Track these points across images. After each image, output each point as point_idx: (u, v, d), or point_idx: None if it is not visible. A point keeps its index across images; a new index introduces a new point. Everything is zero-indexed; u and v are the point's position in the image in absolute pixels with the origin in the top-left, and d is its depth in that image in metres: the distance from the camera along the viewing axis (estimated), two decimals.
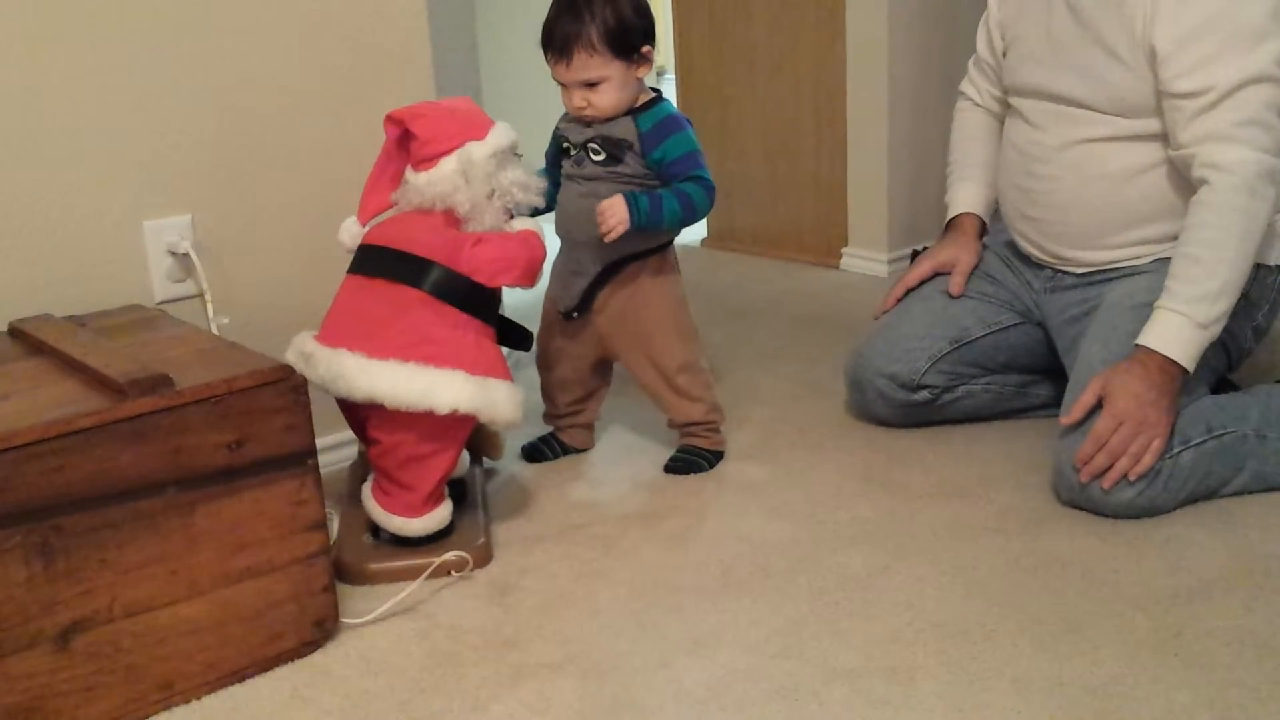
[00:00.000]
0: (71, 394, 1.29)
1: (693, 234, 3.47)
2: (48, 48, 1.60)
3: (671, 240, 1.87)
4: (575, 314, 1.87)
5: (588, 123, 1.79)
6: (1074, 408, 1.66)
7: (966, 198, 2.08)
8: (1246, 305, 1.73)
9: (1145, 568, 1.54)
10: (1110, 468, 1.62)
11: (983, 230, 2.07)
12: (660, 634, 1.45)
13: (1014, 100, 1.94)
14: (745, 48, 3.23)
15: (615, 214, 1.71)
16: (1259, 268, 1.74)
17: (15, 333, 1.53)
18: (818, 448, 1.98)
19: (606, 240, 1.73)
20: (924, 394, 1.97)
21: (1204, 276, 1.62)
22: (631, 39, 1.74)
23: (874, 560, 1.60)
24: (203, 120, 1.73)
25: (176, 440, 1.29)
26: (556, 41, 1.73)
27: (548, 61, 1.76)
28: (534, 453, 1.98)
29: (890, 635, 1.42)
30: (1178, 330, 1.62)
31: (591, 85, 1.74)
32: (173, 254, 1.73)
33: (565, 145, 1.83)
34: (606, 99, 1.75)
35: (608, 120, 1.78)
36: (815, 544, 1.65)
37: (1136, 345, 1.65)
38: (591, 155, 1.79)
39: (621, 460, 1.97)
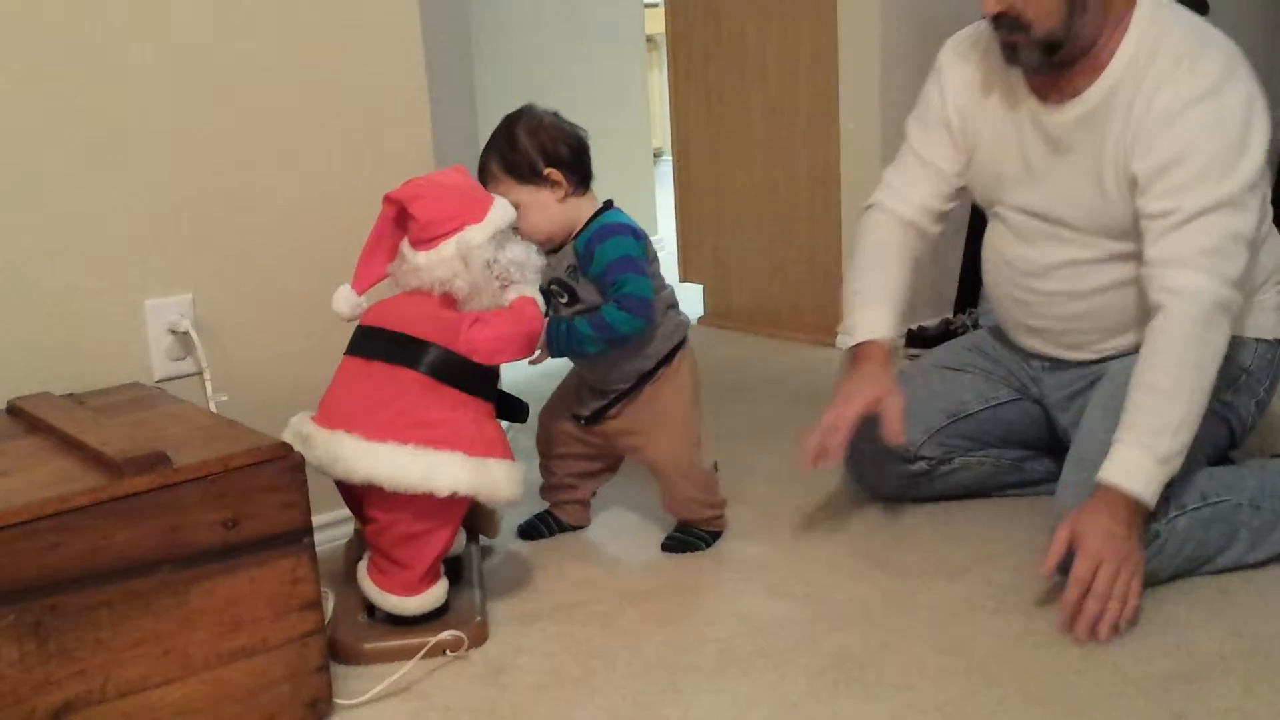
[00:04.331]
0: (68, 472, 1.29)
1: (689, 312, 3.47)
2: (50, 128, 1.62)
3: (677, 346, 1.87)
4: (584, 421, 1.91)
5: (546, 259, 1.78)
6: (1047, 557, 1.61)
7: (875, 322, 1.87)
8: (1248, 380, 1.73)
9: (1145, 648, 1.53)
10: (1102, 610, 1.56)
11: (890, 355, 1.89)
12: (658, 715, 1.44)
13: (994, 209, 1.89)
14: (741, 129, 3.27)
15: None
16: (1259, 343, 1.74)
17: (14, 410, 1.53)
18: (816, 527, 1.97)
19: (531, 365, 1.80)
20: (921, 465, 1.97)
21: (1163, 408, 1.59)
22: (527, 162, 1.76)
23: (873, 640, 1.59)
24: (204, 200, 1.75)
25: (173, 518, 1.29)
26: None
27: None
28: (530, 530, 1.97)
29: (891, 716, 1.41)
30: (1139, 465, 1.59)
31: None
32: (173, 332, 1.74)
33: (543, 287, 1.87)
34: (528, 224, 1.76)
35: (555, 250, 1.80)
36: (814, 624, 1.64)
37: (1098, 482, 1.60)
38: (559, 299, 1.83)
39: (619, 538, 1.96)
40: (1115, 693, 1.43)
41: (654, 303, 1.78)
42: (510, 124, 1.80)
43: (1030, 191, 1.80)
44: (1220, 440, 1.81)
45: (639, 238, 1.80)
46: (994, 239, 1.91)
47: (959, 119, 1.87)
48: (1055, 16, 1.65)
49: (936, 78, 1.90)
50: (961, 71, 1.87)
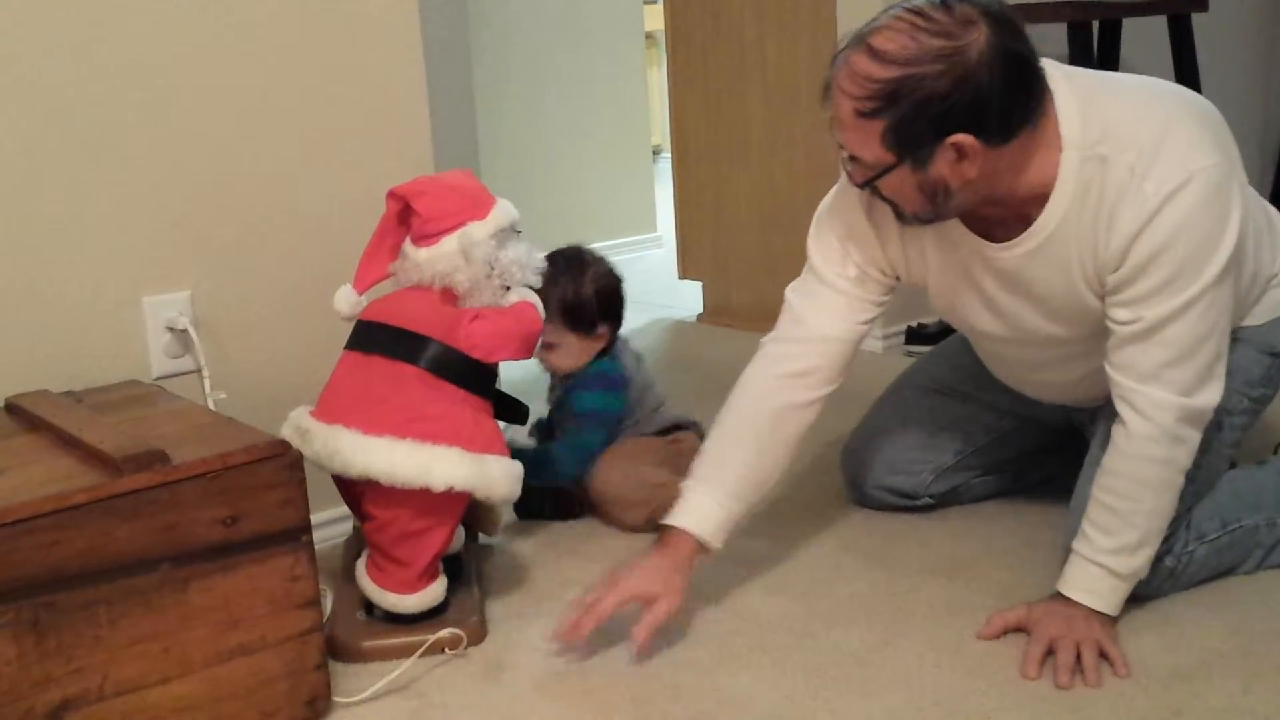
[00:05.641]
0: (67, 470, 1.29)
1: (688, 309, 3.49)
2: (49, 125, 1.62)
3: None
4: None
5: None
6: (986, 628, 1.57)
7: (703, 513, 1.61)
8: (1276, 361, 1.67)
9: (1144, 645, 1.53)
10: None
11: (697, 556, 1.62)
12: (656, 711, 1.44)
13: (968, 335, 1.79)
14: (740, 126, 3.27)
15: None
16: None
17: (12, 408, 1.53)
18: (815, 523, 1.97)
19: None
20: (926, 500, 1.95)
21: (1122, 528, 1.50)
22: (586, 315, 1.91)
23: (872, 637, 1.59)
24: (202, 197, 1.75)
25: (171, 516, 1.29)
26: None
27: None
28: (528, 505, 1.96)
29: (888, 713, 1.41)
30: (1098, 581, 1.51)
31: (548, 346, 1.91)
32: (171, 330, 1.74)
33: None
34: (560, 361, 1.95)
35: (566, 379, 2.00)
36: (813, 620, 1.64)
37: (1057, 591, 1.55)
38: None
39: (617, 535, 1.96)
40: (1114, 690, 1.43)
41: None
42: (579, 269, 1.91)
43: (1001, 324, 1.66)
44: (1249, 431, 1.73)
45: (620, 389, 1.97)
46: (980, 343, 1.79)
47: (876, 254, 1.70)
48: (917, 204, 1.51)
49: (845, 198, 1.71)
50: (862, 208, 1.68)
